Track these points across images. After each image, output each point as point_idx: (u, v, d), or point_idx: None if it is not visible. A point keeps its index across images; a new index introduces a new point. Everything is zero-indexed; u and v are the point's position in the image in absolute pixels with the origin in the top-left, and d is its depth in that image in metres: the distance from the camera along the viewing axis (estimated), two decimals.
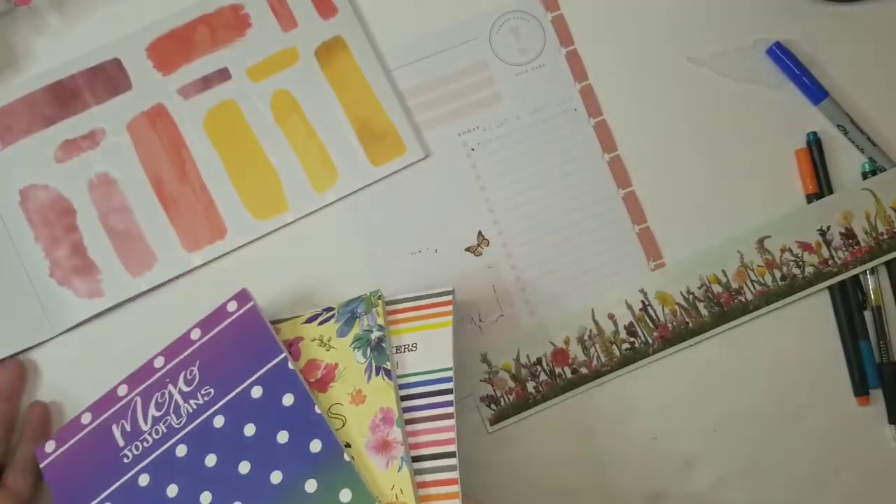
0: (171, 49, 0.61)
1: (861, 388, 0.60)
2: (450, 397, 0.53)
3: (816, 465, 0.60)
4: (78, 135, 0.60)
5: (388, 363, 0.53)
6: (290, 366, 0.54)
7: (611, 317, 0.60)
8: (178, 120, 0.60)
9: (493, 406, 0.59)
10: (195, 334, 0.56)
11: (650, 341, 0.60)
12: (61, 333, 0.59)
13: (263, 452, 0.52)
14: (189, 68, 0.60)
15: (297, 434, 0.52)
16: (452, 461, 0.51)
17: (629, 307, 0.60)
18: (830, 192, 0.61)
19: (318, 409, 0.52)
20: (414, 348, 0.54)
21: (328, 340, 0.55)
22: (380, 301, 0.55)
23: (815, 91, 0.61)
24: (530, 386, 0.60)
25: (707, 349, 0.60)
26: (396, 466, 0.51)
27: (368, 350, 0.54)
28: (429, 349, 0.54)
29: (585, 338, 0.60)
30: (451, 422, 0.52)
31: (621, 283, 0.60)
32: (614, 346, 0.60)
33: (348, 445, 0.52)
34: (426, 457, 0.52)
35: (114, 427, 0.55)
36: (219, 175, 0.60)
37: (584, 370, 0.60)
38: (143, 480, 0.54)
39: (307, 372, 0.54)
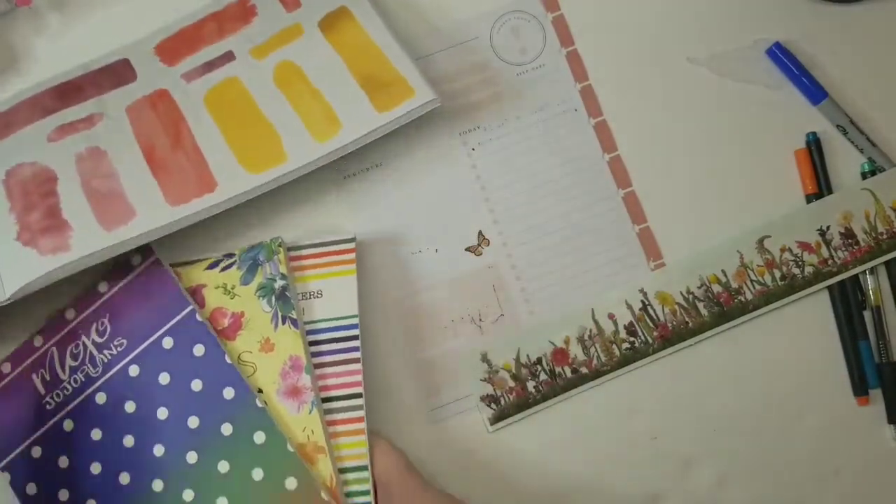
0: (179, 46, 0.60)
1: (860, 388, 0.60)
2: (356, 343, 0.56)
3: (816, 465, 0.60)
4: (75, 119, 0.59)
5: (293, 312, 0.56)
6: (199, 318, 0.56)
7: (611, 316, 0.60)
8: (180, 99, 0.59)
9: (493, 406, 0.59)
10: (102, 287, 0.58)
11: (650, 341, 0.60)
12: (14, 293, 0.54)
13: (179, 399, 0.56)
14: (194, 58, 0.60)
15: (209, 383, 0.55)
16: (359, 401, 0.55)
17: (629, 307, 0.60)
18: (830, 192, 0.61)
19: (228, 360, 0.55)
20: (319, 295, 0.57)
21: (232, 288, 0.57)
22: (281, 248, 0.56)
23: (815, 91, 0.61)
24: (530, 385, 0.60)
25: (707, 349, 0.60)
26: (307, 410, 0.55)
27: (273, 299, 0.56)
28: (334, 296, 0.57)
29: (585, 337, 0.60)
30: (358, 366, 0.56)
31: (621, 283, 0.60)
32: (614, 346, 0.60)
33: (260, 391, 0.55)
34: (335, 398, 0.56)
35: (34, 376, 0.58)
36: (213, 137, 0.57)
37: (584, 370, 0.60)
38: (68, 426, 0.57)
39: (213, 320, 0.57)
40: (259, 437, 0.54)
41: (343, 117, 0.57)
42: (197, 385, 0.55)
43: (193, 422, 0.55)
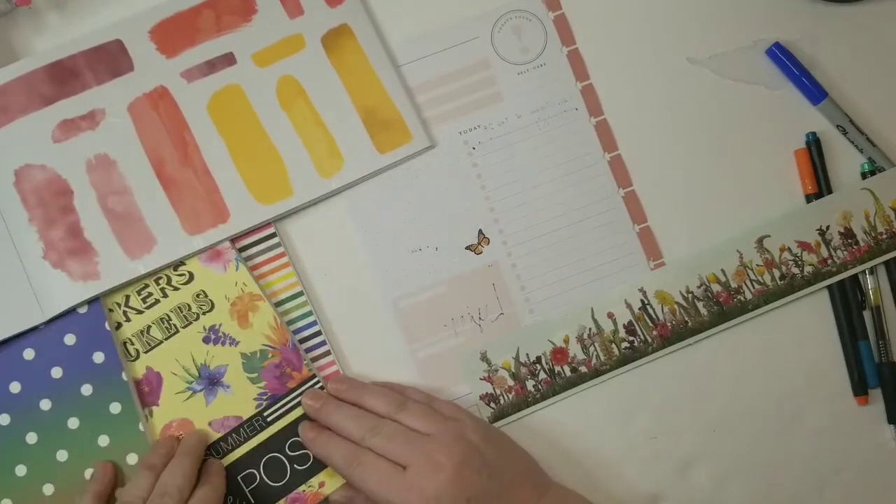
0: (174, 33, 0.60)
1: (860, 388, 0.60)
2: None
3: (816, 464, 0.60)
4: (77, 115, 0.59)
5: None
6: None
7: (610, 316, 0.60)
8: (181, 102, 0.59)
9: (492, 405, 0.59)
10: None
11: (649, 340, 0.60)
12: (52, 319, 0.57)
13: (48, 346, 0.57)
14: (193, 52, 0.60)
15: (84, 340, 0.57)
16: (275, 240, 0.59)
17: (628, 306, 0.60)
18: (830, 192, 0.61)
19: (107, 326, 0.57)
20: None
21: None
22: None
23: (815, 91, 0.61)
24: (530, 384, 0.59)
25: (706, 348, 0.60)
26: (233, 267, 0.58)
27: None
28: None
29: (585, 337, 0.60)
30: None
31: (621, 283, 0.60)
32: (613, 345, 0.60)
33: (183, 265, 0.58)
34: (252, 244, 0.59)
35: None
36: (222, 158, 0.59)
37: (583, 369, 0.60)
38: None
39: None
40: (115, 408, 0.56)
41: (346, 153, 0.60)
42: (70, 339, 0.57)
43: (57, 372, 0.56)
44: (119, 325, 0.58)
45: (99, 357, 0.56)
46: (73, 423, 0.56)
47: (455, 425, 0.54)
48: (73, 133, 0.58)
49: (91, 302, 0.57)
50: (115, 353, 0.56)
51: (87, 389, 0.56)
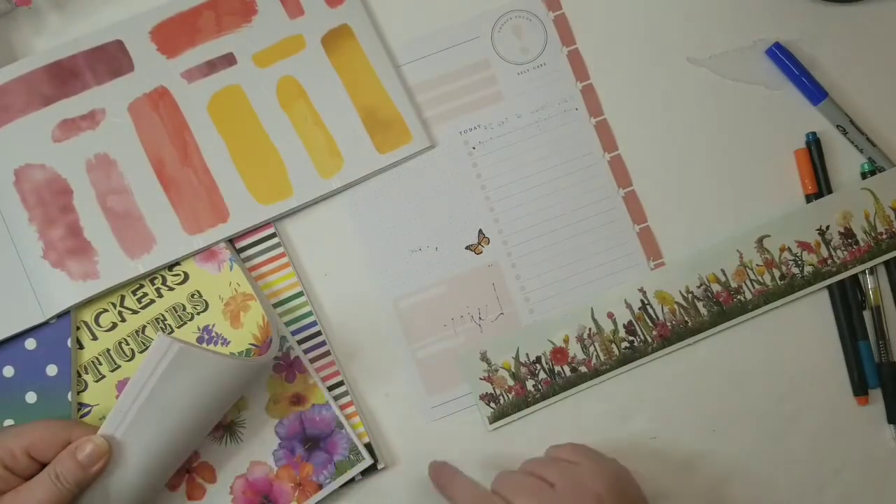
0: (175, 33, 0.60)
1: (860, 388, 0.60)
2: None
3: (816, 464, 0.60)
4: (77, 114, 0.59)
5: None
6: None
7: (610, 316, 0.60)
8: (181, 103, 0.59)
9: (492, 404, 0.59)
10: None
11: (649, 340, 0.60)
12: (53, 317, 0.57)
13: (8, 344, 0.56)
14: (193, 52, 0.60)
15: (42, 349, 0.56)
16: (275, 240, 0.59)
17: (628, 306, 0.60)
18: (830, 192, 0.61)
19: (69, 343, 0.56)
20: None
21: None
22: None
23: (815, 91, 0.61)
24: (530, 384, 0.59)
25: (706, 348, 0.60)
26: (227, 267, 0.58)
27: None
28: None
29: (585, 336, 0.60)
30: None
31: (621, 282, 0.60)
32: (613, 345, 0.60)
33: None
34: (252, 244, 0.59)
35: None
36: (222, 158, 0.59)
37: (583, 369, 0.60)
38: None
39: None
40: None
41: (346, 153, 0.60)
42: (31, 344, 0.57)
43: (8, 371, 0.56)
44: (95, 338, 0.58)
45: (52, 370, 0.56)
46: (8, 424, 0.56)
47: (575, 470, 0.52)
48: (73, 133, 0.59)
49: (61, 315, 0.57)
50: (69, 370, 0.56)
51: (31, 397, 0.56)
